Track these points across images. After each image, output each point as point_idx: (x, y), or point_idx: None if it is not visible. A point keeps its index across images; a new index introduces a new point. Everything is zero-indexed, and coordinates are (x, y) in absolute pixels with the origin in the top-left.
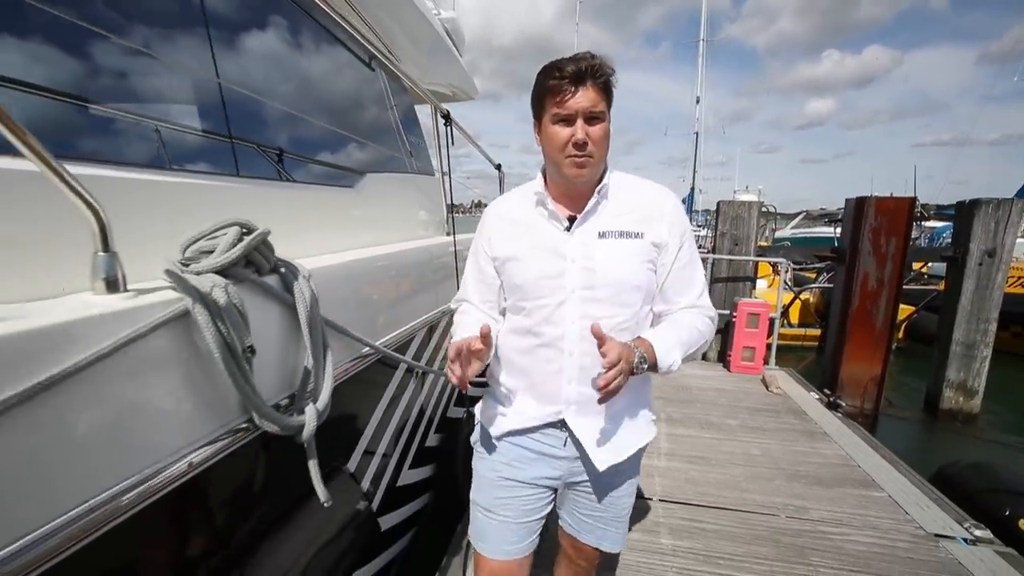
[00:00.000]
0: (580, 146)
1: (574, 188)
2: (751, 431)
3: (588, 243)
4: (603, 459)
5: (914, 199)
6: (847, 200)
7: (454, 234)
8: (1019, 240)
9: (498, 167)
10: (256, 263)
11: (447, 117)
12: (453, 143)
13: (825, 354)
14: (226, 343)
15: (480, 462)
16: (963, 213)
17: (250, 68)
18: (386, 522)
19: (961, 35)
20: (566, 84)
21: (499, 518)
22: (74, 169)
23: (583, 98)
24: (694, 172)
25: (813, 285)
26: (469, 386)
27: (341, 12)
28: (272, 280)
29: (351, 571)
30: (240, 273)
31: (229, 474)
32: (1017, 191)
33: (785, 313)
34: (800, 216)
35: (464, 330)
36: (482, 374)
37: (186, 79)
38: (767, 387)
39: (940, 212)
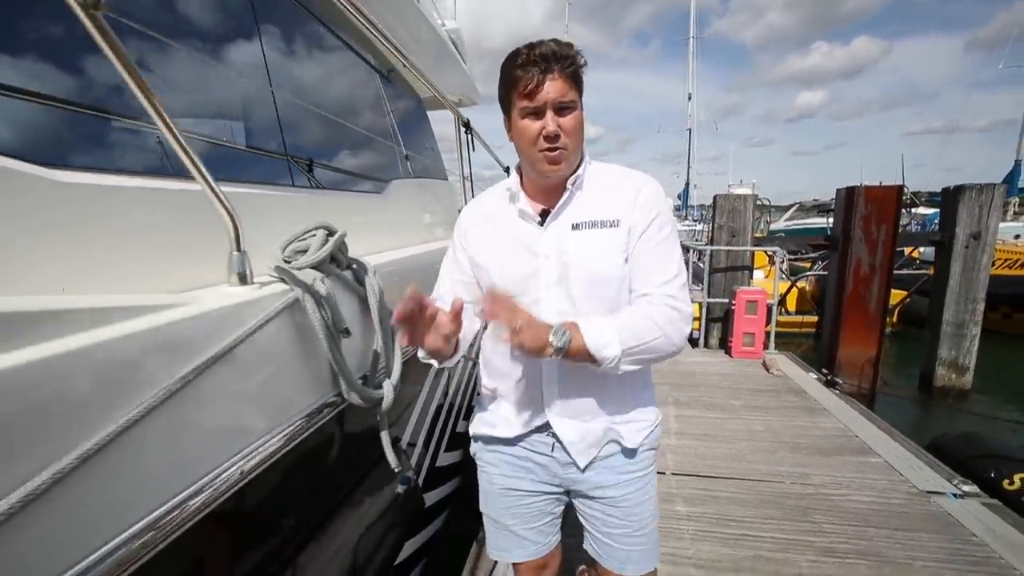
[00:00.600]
0: (552, 138)
1: (548, 183)
2: (754, 410)
3: (561, 236)
4: (582, 459)
5: (902, 187)
6: (838, 190)
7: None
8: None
9: (507, 169)
10: (337, 260)
11: (467, 125)
12: (474, 149)
13: (822, 338)
14: (327, 326)
15: (480, 474)
16: (949, 199)
17: (303, 94)
18: (429, 499)
19: (948, 23)
20: (531, 75)
21: (507, 527)
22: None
23: (551, 88)
24: (688, 168)
25: (809, 273)
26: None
27: (369, 32)
28: (348, 274)
29: (402, 541)
30: (327, 268)
31: (314, 447)
32: (1004, 176)
33: (783, 301)
34: (794, 208)
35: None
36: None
37: (266, 110)
38: (767, 370)
39: (931, 199)
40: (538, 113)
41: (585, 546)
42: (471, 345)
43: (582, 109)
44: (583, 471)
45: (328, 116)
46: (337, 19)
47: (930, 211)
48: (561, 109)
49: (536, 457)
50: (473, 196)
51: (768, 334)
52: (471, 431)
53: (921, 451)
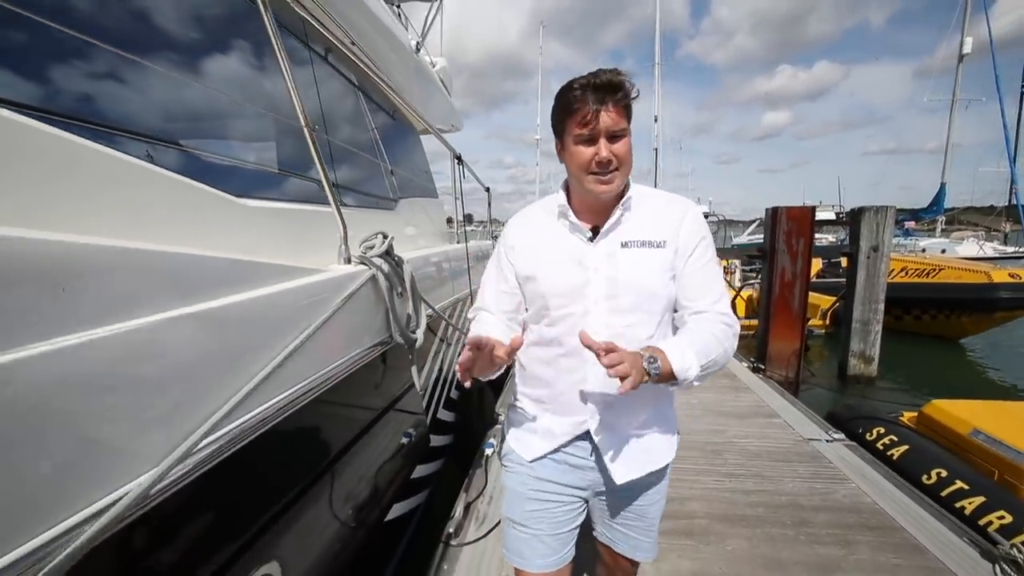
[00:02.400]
0: (604, 164)
1: (598, 202)
2: (692, 390)
3: (612, 253)
4: (621, 473)
5: (813, 208)
6: (766, 209)
7: (467, 242)
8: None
9: (487, 189)
10: (389, 252)
11: (459, 158)
12: (465, 177)
13: (758, 335)
14: (389, 289)
15: (509, 476)
16: (854, 218)
17: (342, 135)
18: (433, 441)
19: (899, 51)
20: (587, 106)
21: (532, 531)
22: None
23: (605, 118)
24: (655, 185)
25: (753, 282)
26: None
27: (381, 82)
28: (394, 261)
29: (415, 464)
30: (385, 257)
31: (370, 371)
32: (933, 197)
33: (734, 308)
34: (756, 223)
35: (486, 330)
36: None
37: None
38: None
39: None
40: (591, 140)
41: (596, 534)
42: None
43: (631, 135)
44: (618, 483)
45: (356, 151)
46: (359, 74)
47: None
48: (613, 137)
49: (572, 460)
50: (465, 213)
51: None
52: (505, 432)
53: (813, 415)
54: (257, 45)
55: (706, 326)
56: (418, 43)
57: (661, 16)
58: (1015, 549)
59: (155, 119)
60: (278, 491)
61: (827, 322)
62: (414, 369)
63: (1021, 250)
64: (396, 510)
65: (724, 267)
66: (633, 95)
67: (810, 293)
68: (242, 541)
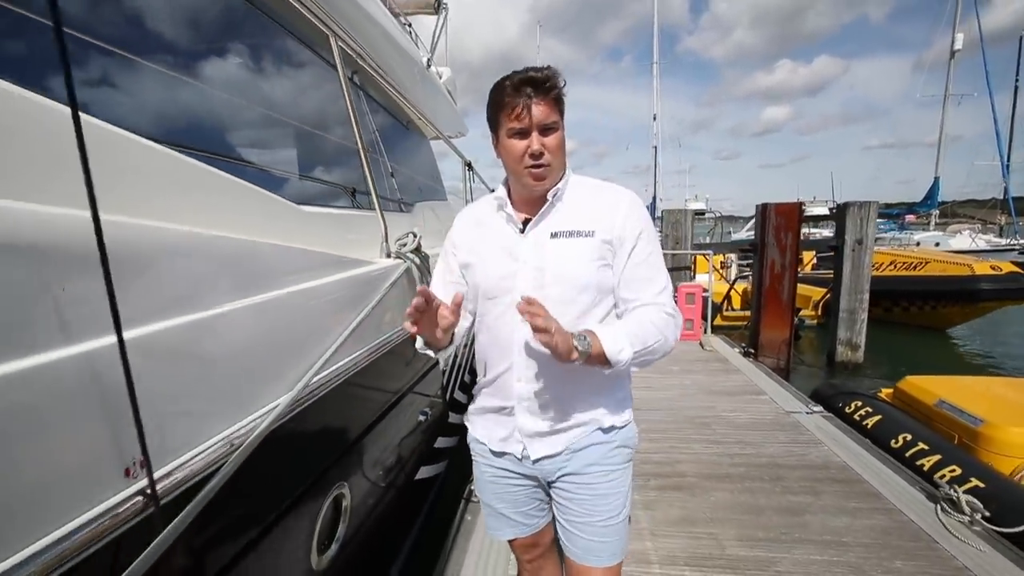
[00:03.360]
0: (536, 156)
1: (533, 195)
2: (687, 372)
3: (540, 243)
4: (537, 449)
5: (801, 203)
6: (756, 206)
7: None
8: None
9: (492, 191)
10: (419, 248)
11: (469, 165)
12: (474, 182)
13: (751, 325)
14: (422, 279)
15: (474, 462)
16: (840, 213)
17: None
18: (451, 418)
19: (897, 45)
20: (517, 99)
21: (497, 510)
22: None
23: (536, 111)
24: (655, 182)
25: (748, 274)
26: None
27: (398, 97)
28: (421, 256)
29: (437, 436)
30: (417, 253)
31: (401, 349)
32: (927, 191)
33: (729, 299)
34: (753, 219)
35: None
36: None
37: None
38: (703, 347)
39: None
40: (523, 133)
41: (559, 541)
42: (465, 344)
43: (563, 129)
44: (553, 464)
45: (391, 164)
46: (382, 94)
47: None
48: (545, 130)
49: (513, 452)
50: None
51: (705, 319)
52: (466, 417)
53: (796, 391)
54: (324, 89)
55: (645, 314)
56: (429, 59)
57: (660, 13)
58: (952, 490)
59: (247, 147)
60: (345, 433)
61: (819, 313)
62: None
63: (1012, 243)
64: (423, 472)
65: (721, 262)
66: (561, 86)
67: (803, 285)
68: (327, 463)
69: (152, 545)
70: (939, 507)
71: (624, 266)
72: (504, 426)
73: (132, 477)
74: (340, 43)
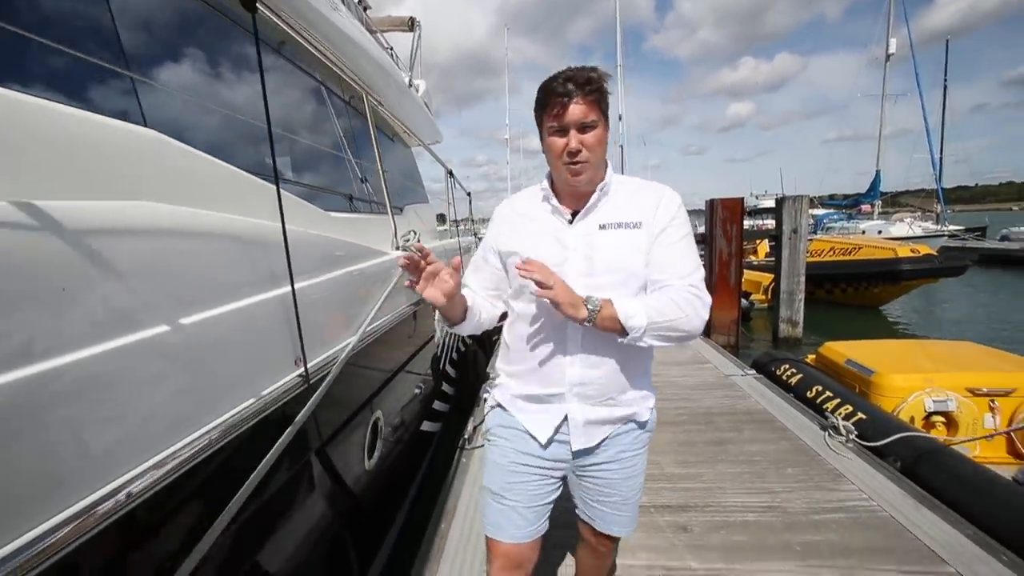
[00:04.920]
0: (573, 154)
1: (576, 190)
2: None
3: (589, 233)
4: (579, 439)
5: (742, 199)
6: (705, 201)
7: (459, 236)
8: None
9: (468, 194)
10: (419, 242)
11: (451, 173)
12: (455, 188)
13: None
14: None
15: (492, 449)
16: (778, 206)
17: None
18: (443, 387)
19: (852, 41)
20: (558, 99)
21: (509, 503)
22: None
23: (575, 110)
24: None
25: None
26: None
27: (387, 115)
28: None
29: (433, 400)
30: (417, 245)
31: (406, 326)
32: (870, 183)
33: None
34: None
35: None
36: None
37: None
38: None
39: (826, 202)
40: (563, 131)
41: (576, 511)
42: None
43: (606, 127)
44: (589, 452)
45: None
46: (378, 117)
47: (820, 211)
48: (584, 128)
49: (544, 436)
50: (457, 216)
51: None
52: (489, 406)
53: (736, 359)
54: (350, 125)
55: (668, 291)
56: (410, 78)
57: (624, 13)
58: (835, 418)
59: (300, 172)
60: (379, 374)
61: (768, 296)
62: (436, 323)
63: (941, 229)
64: (426, 426)
65: None
66: (602, 87)
67: (756, 272)
68: (370, 394)
69: (299, 416)
70: (827, 433)
71: (655, 249)
72: (551, 413)
73: (297, 365)
74: (369, 97)
